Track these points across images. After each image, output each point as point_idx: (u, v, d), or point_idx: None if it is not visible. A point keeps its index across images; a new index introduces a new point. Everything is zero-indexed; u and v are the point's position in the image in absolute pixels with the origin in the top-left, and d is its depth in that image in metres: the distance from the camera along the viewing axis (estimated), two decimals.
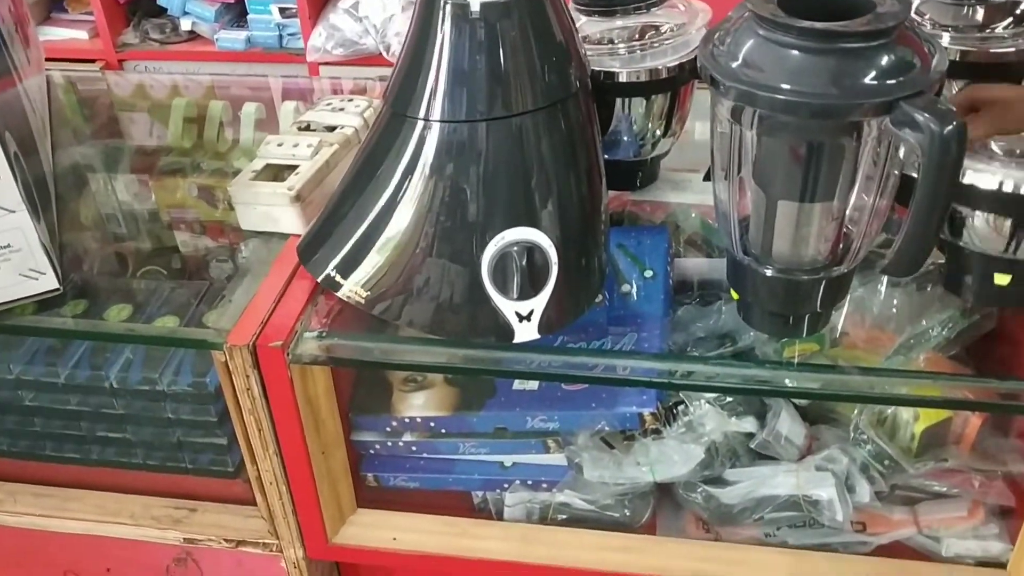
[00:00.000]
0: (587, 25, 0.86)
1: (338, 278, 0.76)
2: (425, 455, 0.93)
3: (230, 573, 1.00)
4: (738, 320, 0.88)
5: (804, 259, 0.71)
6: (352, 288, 0.76)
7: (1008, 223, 0.72)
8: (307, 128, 0.97)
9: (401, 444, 0.93)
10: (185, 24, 2.54)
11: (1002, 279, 0.75)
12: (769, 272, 0.72)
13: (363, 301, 0.76)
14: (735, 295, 0.77)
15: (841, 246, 0.71)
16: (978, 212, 0.72)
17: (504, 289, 0.72)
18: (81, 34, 2.59)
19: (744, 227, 0.73)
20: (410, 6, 2.37)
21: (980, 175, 0.70)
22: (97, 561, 1.04)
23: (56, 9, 2.65)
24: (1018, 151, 0.72)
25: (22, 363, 0.91)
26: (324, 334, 0.78)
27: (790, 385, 0.77)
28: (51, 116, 1.16)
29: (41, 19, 2.59)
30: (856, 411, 0.88)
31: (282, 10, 2.42)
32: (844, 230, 0.71)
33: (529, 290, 0.72)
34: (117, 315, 0.86)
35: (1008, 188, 0.70)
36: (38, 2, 2.59)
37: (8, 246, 0.77)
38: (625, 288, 0.89)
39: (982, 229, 0.74)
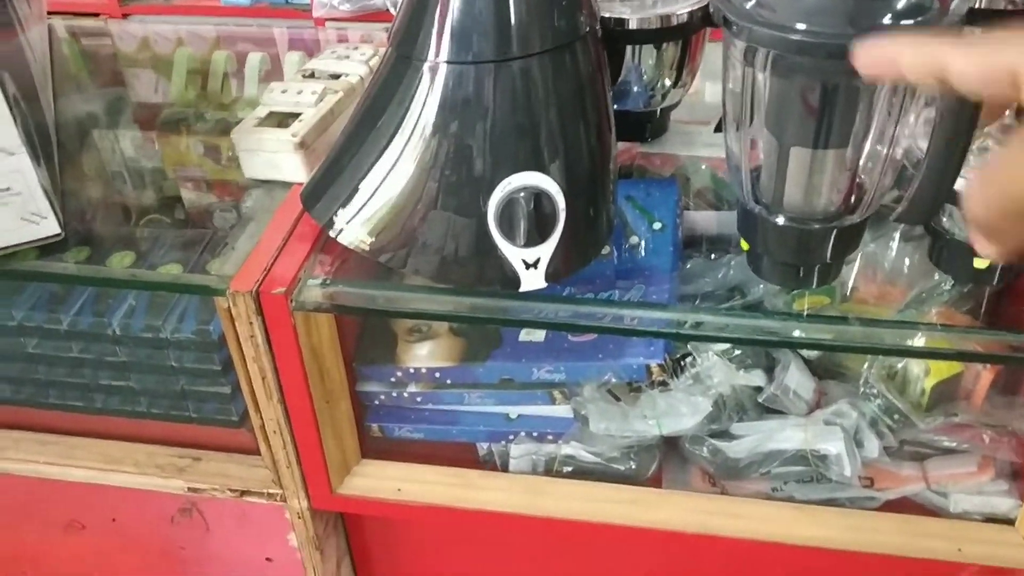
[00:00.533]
0: None
1: (342, 225, 0.75)
2: (430, 406, 0.93)
3: (235, 524, 1.00)
4: (748, 273, 0.86)
5: (816, 208, 0.70)
6: (356, 235, 0.75)
7: None
8: (311, 76, 0.96)
9: (406, 395, 0.92)
10: None
11: (980, 263, 0.76)
12: (780, 221, 0.70)
13: (367, 248, 0.75)
14: (745, 245, 0.76)
15: (853, 196, 0.70)
16: (956, 209, 0.73)
17: (510, 236, 0.71)
18: None
19: (755, 176, 0.71)
20: None
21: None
22: (102, 511, 1.04)
23: None
24: None
25: (24, 309, 0.90)
26: (328, 281, 0.78)
27: (799, 336, 0.77)
28: (53, 67, 1.15)
29: None
30: (866, 365, 0.87)
31: None
32: (857, 179, 0.69)
33: (536, 237, 0.71)
34: (120, 262, 0.85)
35: None
36: None
37: (8, 189, 0.76)
38: (633, 240, 0.87)
39: (961, 224, 0.74)
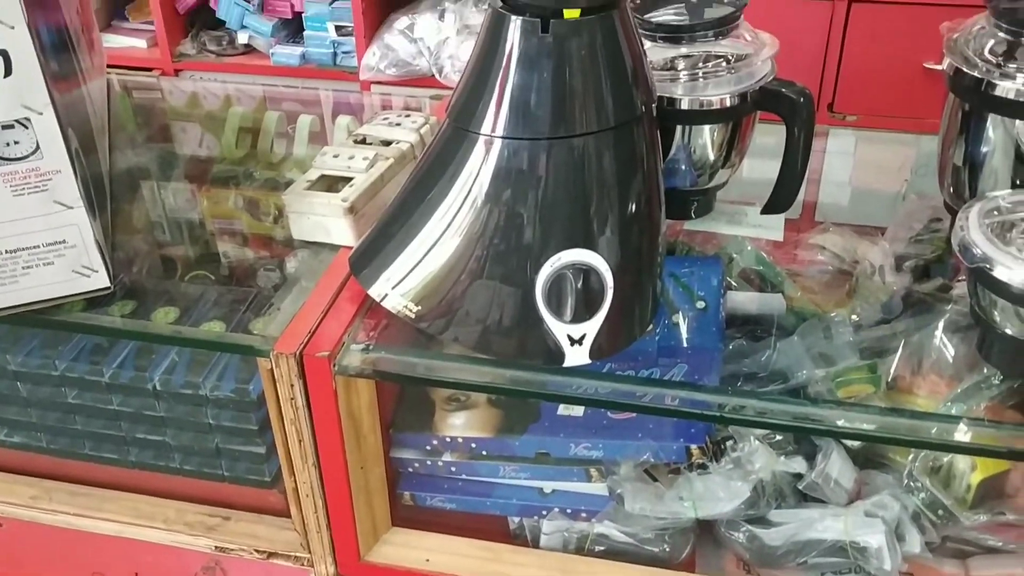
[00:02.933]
0: (652, 51, 0.85)
1: (389, 291, 0.76)
2: (464, 476, 0.92)
3: None
4: (790, 357, 0.86)
5: None
6: (402, 302, 0.75)
7: None
8: (363, 141, 0.97)
9: (440, 464, 0.91)
10: (242, 37, 2.57)
11: None
12: None
13: (412, 316, 0.75)
14: None
15: None
16: (1008, 304, 0.71)
17: (558, 311, 0.71)
18: (140, 43, 2.63)
19: None
20: (464, 30, 2.39)
21: (1008, 271, 0.69)
22: (126, 564, 1.03)
23: (117, 17, 2.70)
24: None
25: (67, 360, 0.91)
26: (371, 347, 0.78)
27: (843, 425, 0.75)
28: (110, 120, 1.18)
29: (102, 27, 2.64)
30: (910, 457, 0.85)
31: (338, 28, 2.45)
32: None
33: (583, 313, 0.71)
34: (164, 317, 0.86)
35: None
36: (100, 10, 2.64)
37: (63, 242, 0.77)
38: (676, 318, 0.87)
39: (1012, 317, 0.72)
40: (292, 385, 0.77)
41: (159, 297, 0.90)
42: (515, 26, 0.67)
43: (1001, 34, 0.81)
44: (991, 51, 0.81)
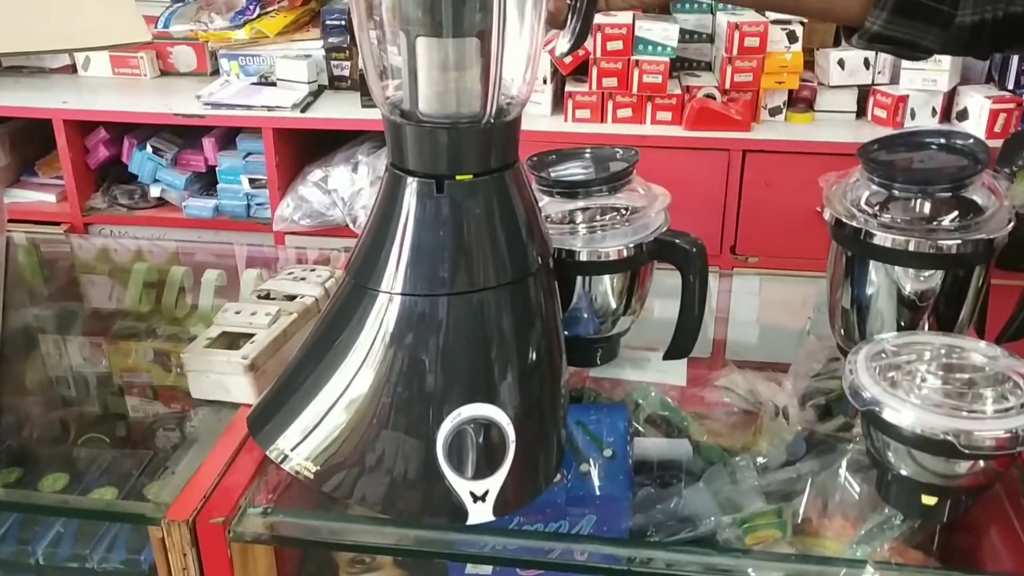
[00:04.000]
0: (549, 205, 0.88)
1: (287, 451, 0.74)
2: None
3: None
4: (698, 504, 0.86)
5: None
6: (301, 462, 0.73)
7: (928, 456, 0.73)
8: (267, 296, 0.97)
9: None
10: (154, 191, 2.57)
11: (929, 500, 0.76)
12: None
13: (312, 476, 0.73)
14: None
15: None
16: (900, 445, 0.74)
17: (459, 468, 0.70)
18: (49, 197, 2.60)
19: None
20: (378, 181, 2.43)
21: (897, 414, 0.72)
22: None
23: (27, 173, 2.68)
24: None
25: None
26: (269, 510, 0.75)
27: (753, 575, 0.75)
28: (8, 277, 1.15)
29: (11, 182, 2.61)
30: None
31: (251, 181, 2.47)
32: None
33: (485, 469, 0.70)
34: (52, 485, 0.82)
35: (922, 431, 0.71)
36: (8, 166, 2.62)
37: None
38: (584, 467, 0.86)
39: (905, 458, 0.74)
40: (185, 554, 0.73)
41: (49, 463, 0.86)
42: (411, 188, 0.69)
43: (875, 186, 0.86)
44: (867, 202, 0.86)
